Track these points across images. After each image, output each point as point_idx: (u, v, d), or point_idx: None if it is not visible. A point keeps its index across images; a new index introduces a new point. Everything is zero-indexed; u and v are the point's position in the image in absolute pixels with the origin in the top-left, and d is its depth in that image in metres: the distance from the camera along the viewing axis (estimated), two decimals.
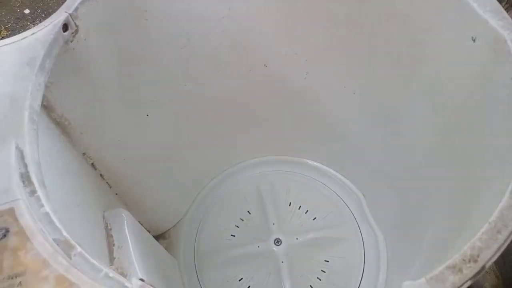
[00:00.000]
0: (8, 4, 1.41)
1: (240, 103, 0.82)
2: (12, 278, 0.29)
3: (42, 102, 0.43)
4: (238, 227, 0.92)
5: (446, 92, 0.55)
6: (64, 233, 0.33)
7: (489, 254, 0.31)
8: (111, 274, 0.31)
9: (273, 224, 0.91)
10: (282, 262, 0.86)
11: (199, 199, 0.96)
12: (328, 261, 0.87)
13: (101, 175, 0.66)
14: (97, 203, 0.61)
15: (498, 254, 0.31)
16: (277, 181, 0.97)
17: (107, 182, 0.69)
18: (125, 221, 0.61)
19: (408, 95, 0.64)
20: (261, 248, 0.88)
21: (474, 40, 0.46)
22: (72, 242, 0.33)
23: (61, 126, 0.54)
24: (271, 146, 0.96)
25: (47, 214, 0.34)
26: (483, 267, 0.31)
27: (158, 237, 0.90)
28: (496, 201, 0.34)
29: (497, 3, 0.43)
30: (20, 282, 0.29)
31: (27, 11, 1.40)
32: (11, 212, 0.33)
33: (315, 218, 0.92)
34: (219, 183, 0.98)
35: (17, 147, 0.38)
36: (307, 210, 0.93)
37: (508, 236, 0.32)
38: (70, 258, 0.31)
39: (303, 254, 0.87)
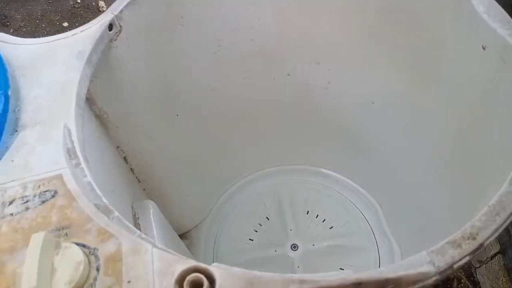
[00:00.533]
0: (48, 18, 1.52)
1: (264, 111, 0.86)
2: (59, 230, 0.33)
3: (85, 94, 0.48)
4: (256, 231, 0.95)
5: (460, 99, 0.58)
6: (104, 200, 0.38)
7: (487, 234, 0.34)
8: (143, 236, 0.35)
9: (291, 230, 0.94)
10: (298, 267, 0.88)
11: (221, 202, 1.00)
12: (343, 269, 0.88)
13: (131, 169, 0.71)
14: (127, 194, 0.66)
15: (496, 234, 0.34)
16: (296, 190, 1.00)
17: (136, 177, 0.74)
18: (151, 211, 0.65)
19: (426, 104, 0.67)
20: (278, 252, 0.91)
21: (484, 48, 0.49)
22: (111, 207, 0.37)
23: (100, 118, 0.59)
24: (292, 155, 1.00)
25: (89, 183, 0.39)
26: (481, 245, 0.33)
27: (179, 237, 0.94)
28: (497, 189, 0.37)
29: (505, 13, 0.47)
30: (66, 233, 0.33)
31: (65, 24, 1.51)
32: (59, 178, 0.38)
33: (332, 227, 0.95)
34: (240, 188, 1.01)
35: (65, 126, 0.43)
36: (325, 219, 0.96)
37: (506, 219, 0.34)
38: (109, 220, 0.35)
39: (319, 261, 0.89)
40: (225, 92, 0.77)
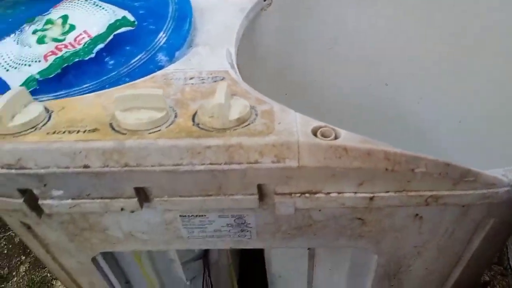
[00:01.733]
0: None
1: (355, 118, 0.97)
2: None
3: None
4: None
5: None
6: (254, 93, 0.51)
7: None
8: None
9: None
10: None
11: None
12: None
13: None
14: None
15: None
16: None
17: None
18: None
19: None
20: None
21: None
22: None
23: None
24: None
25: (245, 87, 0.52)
26: None
27: None
28: None
29: None
30: (233, 96, 0.46)
31: None
32: (226, 72, 0.52)
33: None
34: None
35: (227, 49, 0.57)
36: None
37: None
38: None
39: None
40: (325, 88, 0.90)
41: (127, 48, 0.55)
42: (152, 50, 0.55)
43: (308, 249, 0.58)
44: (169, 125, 0.42)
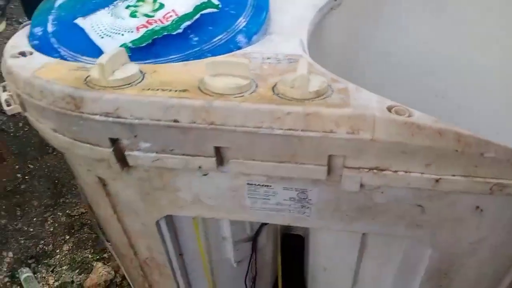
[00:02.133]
0: None
1: None
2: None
3: None
4: None
5: None
6: (329, 74, 0.54)
7: None
8: None
9: None
10: None
11: None
12: None
13: None
14: None
15: None
16: None
17: None
18: None
19: None
20: None
21: None
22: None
23: None
24: None
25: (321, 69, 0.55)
26: None
27: None
28: None
29: None
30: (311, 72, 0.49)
31: None
32: (300, 56, 0.55)
33: None
34: None
35: (300, 39, 0.61)
36: None
37: None
38: None
39: None
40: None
41: (210, 28, 0.59)
42: (233, 32, 0.59)
43: (363, 234, 0.60)
44: (252, 92, 0.46)
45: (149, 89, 0.46)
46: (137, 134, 0.46)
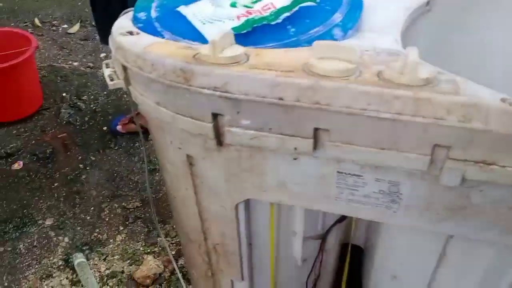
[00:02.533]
0: None
1: None
2: None
3: None
4: None
5: None
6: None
7: None
8: None
9: None
10: None
11: None
12: None
13: None
14: None
15: None
16: None
17: None
18: None
19: None
20: None
21: None
22: None
23: None
24: None
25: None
26: None
27: None
28: None
29: None
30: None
31: None
32: (398, 51, 0.55)
33: None
34: None
35: (395, 38, 0.61)
36: None
37: None
38: None
39: None
40: None
41: (307, 21, 0.60)
42: (329, 25, 0.60)
43: (446, 238, 0.57)
44: (357, 76, 0.46)
45: (255, 68, 0.48)
46: (240, 110, 0.48)
